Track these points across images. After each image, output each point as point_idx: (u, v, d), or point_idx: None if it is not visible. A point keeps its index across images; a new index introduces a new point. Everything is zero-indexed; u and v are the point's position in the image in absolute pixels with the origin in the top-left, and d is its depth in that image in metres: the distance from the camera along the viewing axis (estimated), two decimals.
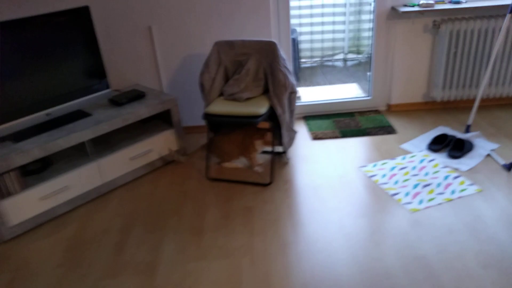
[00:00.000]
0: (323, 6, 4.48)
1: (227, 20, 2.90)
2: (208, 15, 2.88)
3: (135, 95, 2.71)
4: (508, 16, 2.61)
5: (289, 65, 2.54)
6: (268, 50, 2.51)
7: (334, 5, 4.48)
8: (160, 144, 2.74)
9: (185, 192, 2.52)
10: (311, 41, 4.60)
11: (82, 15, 2.42)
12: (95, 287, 1.88)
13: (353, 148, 2.85)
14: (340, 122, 3.22)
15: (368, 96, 3.39)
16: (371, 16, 4.51)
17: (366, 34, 4.63)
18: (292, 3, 4.38)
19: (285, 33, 3.07)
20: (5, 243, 2.20)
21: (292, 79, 2.49)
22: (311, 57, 4.70)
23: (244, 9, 2.87)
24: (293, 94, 2.54)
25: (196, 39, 2.96)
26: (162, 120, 2.90)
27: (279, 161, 2.78)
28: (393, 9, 3.02)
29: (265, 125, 2.60)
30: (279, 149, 2.87)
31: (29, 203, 2.24)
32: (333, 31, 4.57)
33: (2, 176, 2.13)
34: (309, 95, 3.66)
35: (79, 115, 2.53)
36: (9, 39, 2.17)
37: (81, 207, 2.46)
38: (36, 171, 2.38)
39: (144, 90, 2.86)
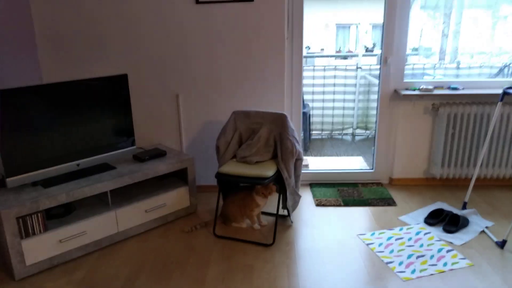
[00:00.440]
0: (334, 85, 4.88)
1: (246, 92, 3.25)
2: (229, 87, 3.24)
3: (157, 153, 2.99)
4: (499, 103, 2.86)
5: (297, 135, 2.80)
6: (279, 120, 2.79)
7: (345, 85, 4.88)
8: (174, 199, 2.96)
9: (191, 246, 2.69)
10: (323, 115, 4.95)
11: (121, 81, 2.79)
12: None
13: (354, 217, 3.00)
14: (344, 191, 3.40)
15: (371, 169, 3.59)
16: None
17: (374, 112, 4.96)
18: (306, 81, 4.80)
19: (296, 107, 3.38)
20: (19, 281, 2.37)
21: (299, 147, 2.74)
22: (322, 129, 5.02)
23: (262, 84, 3.23)
24: (299, 161, 2.77)
25: (217, 108, 3.30)
26: (179, 177, 3.15)
27: (282, 223, 2.94)
28: (396, 91, 3.33)
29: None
30: (284, 212, 3.05)
31: (48, 245, 2.44)
32: (343, 108, 4.93)
33: (30, 217, 2.36)
34: (317, 164, 3.90)
35: (105, 167, 2.81)
36: (54, 98, 2.52)
37: (94, 252, 2.64)
38: (59, 215, 2.60)
39: (166, 149, 3.15)
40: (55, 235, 2.46)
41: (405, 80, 3.34)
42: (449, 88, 3.32)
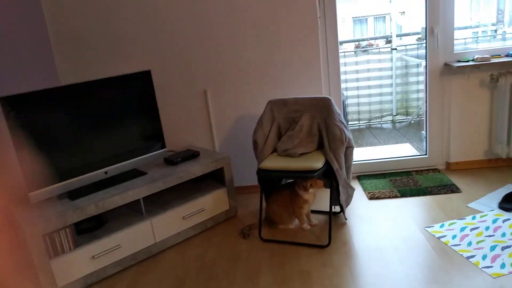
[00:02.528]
0: (369, 70, 4.53)
1: (278, 80, 2.96)
2: (260, 77, 2.96)
3: (189, 155, 2.73)
4: None
5: (344, 120, 2.49)
6: (322, 106, 2.48)
7: (380, 69, 4.53)
8: (212, 203, 2.68)
9: (237, 254, 2.39)
10: (358, 103, 4.61)
11: (144, 78, 2.55)
12: None
13: (415, 208, 2.65)
14: (397, 181, 3.05)
15: (424, 155, 3.23)
16: (418, 78, 4.50)
17: (414, 95, 4.58)
18: None
19: (336, 92, 3.07)
20: None
21: (348, 133, 2.42)
22: (359, 119, 4.67)
23: (295, 70, 2.92)
24: (349, 149, 2.45)
25: (248, 101, 3.01)
26: (215, 179, 2.87)
27: (335, 221, 2.62)
28: (446, 65, 2.97)
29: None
30: (336, 209, 2.73)
31: (80, 263, 2.19)
32: (380, 94, 4.57)
33: (57, 233, 2.12)
34: (361, 154, 3.55)
35: (135, 173, 2.56)
36: (75, 100, 2.29)
37: (131, 268, 2.38)
38: (89, 230, 2.36)
39: (198, 150, 2.88)
40: (86, 251, 2.21)
41: (456, 51, 2.98)
42: (507, 55, 2.94)
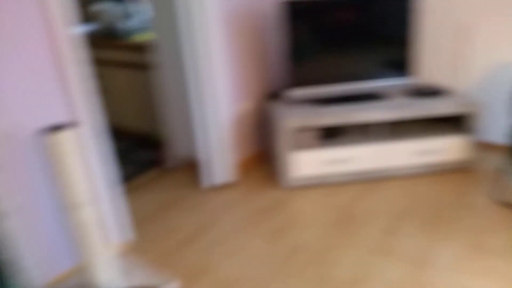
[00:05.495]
0: None
1: None
2: None
3: (436, 91, 2.58)
4: None
5: None
6: None
7: None
8: (449, 148, 2.52)
9: (468, 205, 2.23)
10: None
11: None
12: (360, 258, 1.89)
13: None
14: None
15: None
16: None
17: None
18: None
19: None
20: (284, 190, 2.46)
21: None
22: None
23: None
24: None
25: None
26: (455, 125, 2.67)
27: None
28: None
29: None
30: None
31: (313, 163, 2.42)
32: None
33: (302, 132, 2.37)
34: None
35: (379, 96, 2.59)
36: (342, 12, 2.39)
37: (355, 183, 2.50)
38: (328, 137, 2.54)
39: (445, 89, 2.69)
40: (321, 155, 2.42)
41: None
42: None
